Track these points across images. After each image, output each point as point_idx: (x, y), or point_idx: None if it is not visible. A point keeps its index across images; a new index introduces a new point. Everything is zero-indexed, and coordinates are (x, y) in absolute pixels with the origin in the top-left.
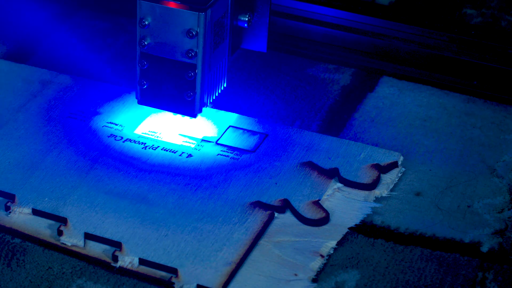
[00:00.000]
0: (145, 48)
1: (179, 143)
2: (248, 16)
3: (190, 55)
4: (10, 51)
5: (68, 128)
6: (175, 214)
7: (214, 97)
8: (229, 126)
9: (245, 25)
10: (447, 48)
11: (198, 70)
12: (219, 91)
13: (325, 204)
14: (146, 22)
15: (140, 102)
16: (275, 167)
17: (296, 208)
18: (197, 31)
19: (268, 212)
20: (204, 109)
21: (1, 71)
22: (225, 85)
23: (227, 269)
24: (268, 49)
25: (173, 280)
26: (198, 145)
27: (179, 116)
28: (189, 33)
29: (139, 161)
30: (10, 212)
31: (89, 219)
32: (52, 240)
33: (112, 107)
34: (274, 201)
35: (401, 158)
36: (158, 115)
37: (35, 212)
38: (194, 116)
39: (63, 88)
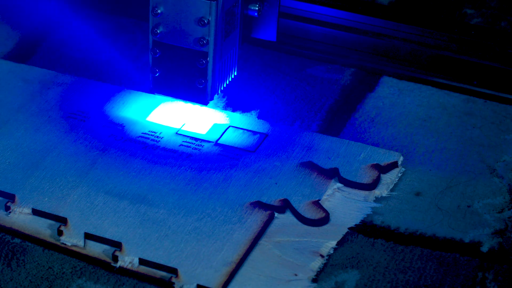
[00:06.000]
0: (157, 36)
1: (179, 143)
2: (258, 6)
3: (202, 43)
4: (11, 51)
5: (68, 128)
6: (175, 214)
7: (225, 85)
8: (229, 126)
9: (256, 14)
10: (447, 48)
11: (210, 58)
12: (230, 79)
13: (325, 204)
14: (159, 11)
15: (152, 90)
16: (275, 167)
17: (296, 208)
18: (208, 20)
19: (268, 212)
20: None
21: (1, 71)
22: (235, 74)
23: (227, 269)
24: (268, 49)
25: (173, 280)
26: (198, 145)
27: (181, 113)
28: (201, 22)
29: (139, 161)
30: (10, 212)
31: (89, 219)
32: (52, 240)
33: (112, 107)
34: (274, 201)
35: (401, 158)
36: (166, 107)
37: (35, 212)
38: (206, 103)
39: (63, 88)
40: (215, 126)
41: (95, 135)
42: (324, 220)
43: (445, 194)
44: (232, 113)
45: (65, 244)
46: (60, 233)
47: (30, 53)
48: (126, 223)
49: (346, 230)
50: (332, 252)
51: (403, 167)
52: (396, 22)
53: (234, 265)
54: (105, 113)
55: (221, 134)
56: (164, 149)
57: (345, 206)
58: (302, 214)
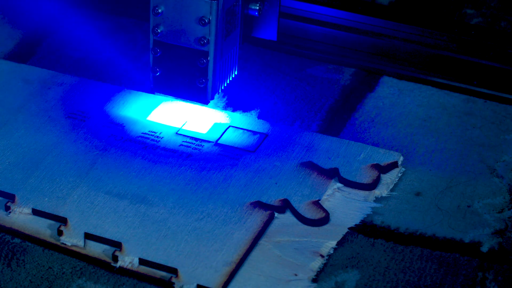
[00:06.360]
0: (158, 35)
1: (179, 143)
2: (259, 5)
3: (202, 42)
4: (11, 51)
5: (68, 128)
6: (175, 214)
7: (225, 84)
8: (229, 126)
9: (256, 13)
10: (447, 48)
11: (210, 58)
12: (230, 79)
13: (325, 204)
14: (159, 10)
15: (153, 90)
16: (275, 167)
17: (296, 208)
18: (209, 19)
19: (268, 212)
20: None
21: (1, 71)
22: (236, 73)
23: (227, 269)
24: (268, 49)
25: (173, 280)
26: (198, 145)
27: (182, 112)
28: (201, 21)
29: (139, 161)
30: (10, 212)
31: (89, 219)
32: (52, 240)
33: (112, 107)
34: (274, 201)
35: (401, 158)
36: (167, 106)
37: (35, 212)
38: (207, 103)
39: (63, 88)
40: (215, 126)
41: (95, 135)
42: (324, 220)
43: (445, 194)
44: (232, 113)
45: (65, 244)
46: (60, 233)
47: (30, 53)
48: (126, 223)
49: (346, 230)
50: (332, 252)
51: (403, 167)
52: (396, 22)
53: (234, 265)
54: (105, 113)
55: (221, 134)
56: (164, 149)
57: (345, 206)
58: (302, 214)
